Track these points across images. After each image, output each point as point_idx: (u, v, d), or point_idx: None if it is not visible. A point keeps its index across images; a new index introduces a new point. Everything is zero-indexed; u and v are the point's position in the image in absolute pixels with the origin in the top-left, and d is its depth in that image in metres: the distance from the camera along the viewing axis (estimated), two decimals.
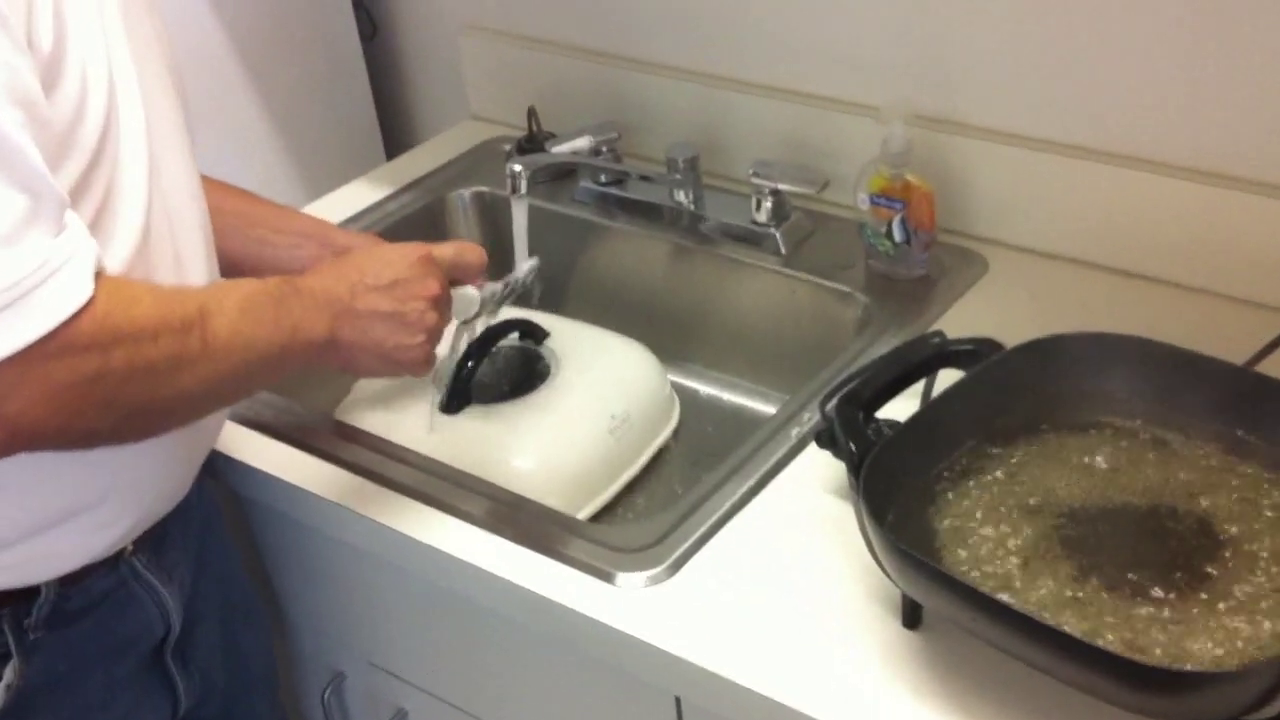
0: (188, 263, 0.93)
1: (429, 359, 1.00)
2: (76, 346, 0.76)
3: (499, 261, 1.17)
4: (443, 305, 1.01)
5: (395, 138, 1.73)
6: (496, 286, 1.12)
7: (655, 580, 0.94)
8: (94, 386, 0.77)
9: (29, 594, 0.91)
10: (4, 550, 0.88)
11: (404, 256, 0.99)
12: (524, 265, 1.17)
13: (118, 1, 0.87)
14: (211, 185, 1.06)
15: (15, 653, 0.91)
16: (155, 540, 0.99)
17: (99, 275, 0.78)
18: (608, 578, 0.95)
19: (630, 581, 0.94)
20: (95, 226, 0.84)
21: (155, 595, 1.00)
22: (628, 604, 0.93)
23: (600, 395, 1.18)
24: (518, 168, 1.18)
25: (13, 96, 0.74)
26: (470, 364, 1.14)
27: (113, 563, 0.96)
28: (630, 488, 1.18)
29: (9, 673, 0.91)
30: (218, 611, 1.09)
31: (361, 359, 0.96)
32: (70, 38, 0.81)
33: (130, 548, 0.97)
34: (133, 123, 0.87)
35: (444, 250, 1.04)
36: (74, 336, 0.75)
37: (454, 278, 1.04)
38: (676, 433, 1.25)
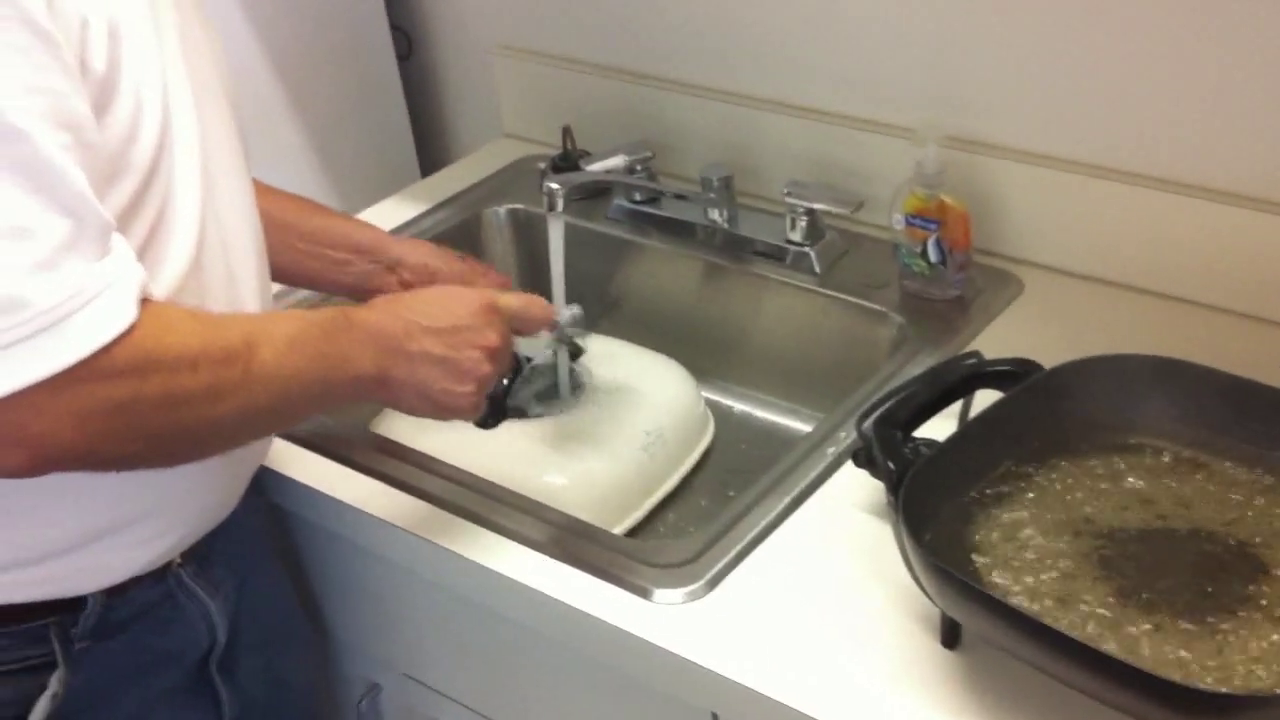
0: (241, 281, 0.94)
1: (476, 407, 0.97)
2: (111, 372, 0.75)
3: (536, 280, 1.18)
4: (500, 356, 0.97)
5: (430, 155, 1.74)
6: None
7: (692, 596, 0.95)
8: (124, 412, 0.77)
9: (75, 604, 0.92)
10: (49, 562, 0.89)
11: (468, 304, 0.96)
12: (565, 312, 1.13)
13: (174, 22, 0.88)
14: (268, 193, 1.06)
15: (62, 662, 0.92)
16: (202, 553, 1.00)
17: (144, 301, 0.78)
18: (644, 593, 0.95)
19: (667, 597, 0.95)
20: (148, 245, 0.84)
21: (201, 607, 1.01)
22: (664, 620, 0.93)
23: (634, 412, 1.19)
24: (555, 186, 1.18)
25: (59, 120, 0.74)
26: (506, 380, 1.15)
27: (160, 574, 0.97)
28: (663, 504, 1.19)
29: (54, 682, 0.91)
30: (260, 632, 1.09)
31: (407, 399, 0.94)
32: (125, 58, 0.81)
33: (178, 559, 0.98)
34: (187, 143, 0.88)
35: (510, 301, 1.00)
36: (109, 362, 0.75)
37: (515, 329, 1.01)
38: (710, 450, 1.26)
